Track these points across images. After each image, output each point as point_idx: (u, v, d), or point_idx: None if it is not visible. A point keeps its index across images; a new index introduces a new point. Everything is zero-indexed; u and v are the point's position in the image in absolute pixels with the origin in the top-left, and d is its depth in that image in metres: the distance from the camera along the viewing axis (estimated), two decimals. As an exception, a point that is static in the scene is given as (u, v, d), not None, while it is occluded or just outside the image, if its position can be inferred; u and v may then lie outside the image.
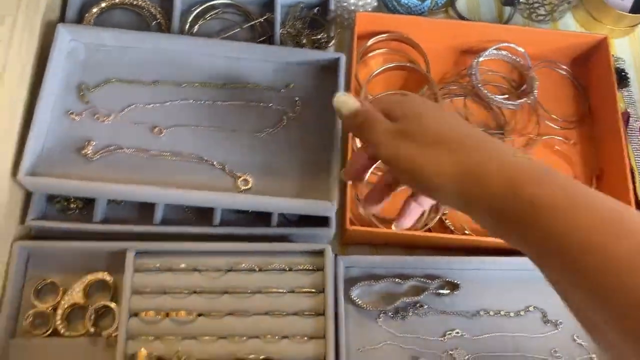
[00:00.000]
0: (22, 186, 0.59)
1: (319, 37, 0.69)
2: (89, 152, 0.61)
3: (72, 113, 0.63)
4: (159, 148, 0.63)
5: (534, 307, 0.64)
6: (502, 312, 0.63)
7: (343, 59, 0.67)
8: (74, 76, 0.65)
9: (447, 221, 0.69)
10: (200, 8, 0.71)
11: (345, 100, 0.48)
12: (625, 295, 0.33)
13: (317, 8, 0.72)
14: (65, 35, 0.64)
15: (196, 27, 0.71)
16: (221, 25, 0.72)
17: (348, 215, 0.64)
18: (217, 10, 0.72)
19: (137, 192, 0.59)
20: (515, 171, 0.40)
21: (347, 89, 0.72)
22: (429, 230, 0.68)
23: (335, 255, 0.61)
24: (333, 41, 0.69)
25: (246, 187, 0.61)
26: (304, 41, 0.69)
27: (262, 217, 0.64)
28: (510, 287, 0.64)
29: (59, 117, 0.63)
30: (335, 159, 0.62)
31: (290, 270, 0.61)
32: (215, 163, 0.62)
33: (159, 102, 0.64)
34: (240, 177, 0.60)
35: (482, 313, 0.63)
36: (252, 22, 0.71)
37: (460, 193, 0.41)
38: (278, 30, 0.70)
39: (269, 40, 0.71)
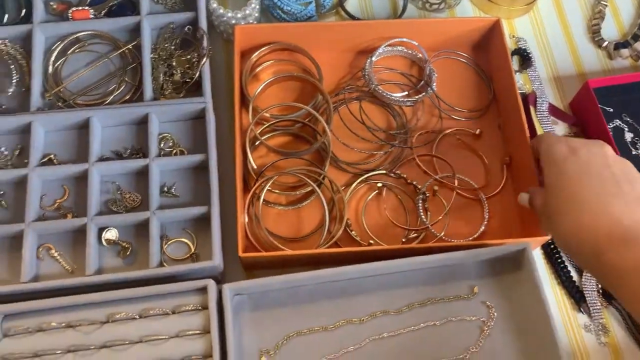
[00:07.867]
0: None
1: (189, 56, 0.65)
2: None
3: None
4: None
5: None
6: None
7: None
8: (250, 342, 0.57)
9: (352, 232, 0.65)
10: (63, 44, 0.67)
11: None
12: None
13: (188, 27, 0.68)
14: (227, 293, 0.55)
15: (60, 62, 0.67)
16: (88, 58, 0.68)
17: (240, 243, 0.59)
18: (81, 43, 0.68)
19: None
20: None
21: (232, 108, 0.67)
22: (336, 243, 0.63)
23: (220, 288, 0.56)
24: (205, 60, 0.64)
25: None
26: (174, 63, 0.65)
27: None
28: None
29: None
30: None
31: (174, 313, 0.56)
32: None
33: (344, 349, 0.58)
34: None
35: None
36: (120, 50, 0.67)
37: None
38: (148, 55, 0.65)
39: (139, 66, 0.66)
